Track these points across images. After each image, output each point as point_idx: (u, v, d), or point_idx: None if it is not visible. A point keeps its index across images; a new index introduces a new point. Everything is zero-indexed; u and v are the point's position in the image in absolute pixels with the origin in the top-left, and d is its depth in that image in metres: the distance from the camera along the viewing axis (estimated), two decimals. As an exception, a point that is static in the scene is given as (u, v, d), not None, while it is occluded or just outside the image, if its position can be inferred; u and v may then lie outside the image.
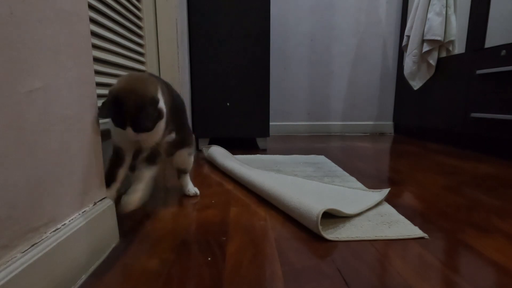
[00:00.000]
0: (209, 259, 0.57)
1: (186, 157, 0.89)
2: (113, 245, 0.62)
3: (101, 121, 0.60)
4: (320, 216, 0.66)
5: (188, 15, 1.62)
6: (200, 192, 0.95)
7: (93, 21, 0.82)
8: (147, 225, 0.72)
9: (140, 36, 1.22)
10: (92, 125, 0.56)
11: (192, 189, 0.93)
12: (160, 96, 0.65)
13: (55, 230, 0.46)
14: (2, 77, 0.36)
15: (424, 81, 2.09)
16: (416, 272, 0.54)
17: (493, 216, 0.78)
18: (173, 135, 0.78)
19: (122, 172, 0.68)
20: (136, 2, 1.17)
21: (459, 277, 0.52)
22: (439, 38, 1.89)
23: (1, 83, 0.36)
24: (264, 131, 1.73)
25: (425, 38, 1.96)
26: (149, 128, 0.62)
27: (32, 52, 0.41)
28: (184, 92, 1.48)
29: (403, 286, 0.50)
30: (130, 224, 0.71)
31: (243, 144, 1.91)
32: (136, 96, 0.60)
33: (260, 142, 1.80)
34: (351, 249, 0.62)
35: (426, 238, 0.66)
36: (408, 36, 2.11)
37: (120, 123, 0.61)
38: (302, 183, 1.01)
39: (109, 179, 0.66)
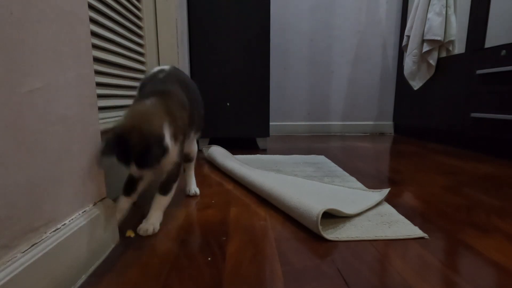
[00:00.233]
0: (209, 259, 0.57)
1: (193, 142, 0.88)
2: (113, 245, 0.62)
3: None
4: (320, 216, 0.66)
5: (188, 15, 1.62)
6: (200, 192, 0.95)
7: (93, 21, 0.82)
8: (147, 225, 0.72)
9: (140, 36, 1.22)
10: (92, 125, 0.56)
11: (193, 188, 0.93)
12: (166, 129, 0.62)
13: (55, 230, 0.46)
14: (2, 77, 0.36)
15: (424, 81, 2.09)
16: (416, 272, 0.54)
17: (493, 216, 0.78)
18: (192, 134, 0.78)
19: (140, 186, 0.70)
20: (136, 2, 1.17)
21: (459, 277, 0.52)
22: (439, 38, 1.89)
23: (1, 83, 0.36)
24: (264, 131, 1.73)
25: (425, 38, 1.96)
26: (154, 167, 0.60)
27: (32, 52, 0.41)
28: (184, 92, 1.47)
29: (403, 286, 0.50)
30: (130, 224, 0.71)
31: (243, 144, 1.91)
32: (140, 135, 0.58)
33: (260, 142, 1.80)
34: (351, 249, 0.62)
35: (426, 238, 0.66)
36: (408, 36, 2.11)
37: (123, 161, 0.59)
38: (302, 183, 1.01)
39: (127, 190, 0.67)
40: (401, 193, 0.96)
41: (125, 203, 0.68)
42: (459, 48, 1.87)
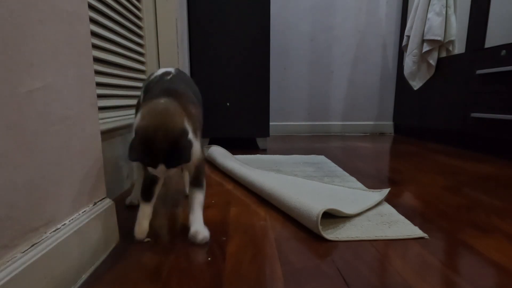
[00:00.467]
0: (209, 259, 0.57)
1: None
2: (113, 245, 0.62)
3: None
4: (320, 216, 0.66)
5: (188, 15, 1.62)
6: (200, 192, 0.95)
7: (93, 21, 0.82)
8: (147, 225, 0.72)
9: (140, 36, 1.22)
10: (92, 125, 0.56)
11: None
12: (187, 125, 0.61)
13: (55, 230, 0.46)
14: (2, 77, 0.36)
15: (424, 81, 2.09)
16: (416, 272, 0.54)
17: (493, 216, 0.78)
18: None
19: (157, 188, 0.70)
20: (136, 2, 1.17)
21: (459, 277, 0.52)
22: (439, 38, 1.89)
23: (1, 83, 0.36)
24: (264, 131, 1.73)
25: (425, 38, 1.96)
26: (188, 160, 0.58)
27: (32, 52, 0.41)
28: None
29: (403, 286, 0.50)
30: (130, 224, 0.71)
31: (243, 144, 1.91)
32: (165, 133, 0.56)
33: (260, 142, 1.80)
34: (351, 249, 0.62)
35: (426, 238, 0.66)
36: (408, 36, 2.11)
37: (151, 163, 0.57)
38: (302, 183, 1.01)
39: (148, 196, 0.67)
40: (401, 193, 0.96)
41: (148, 208, 0.68)
42: (459, 48, 1.87)
